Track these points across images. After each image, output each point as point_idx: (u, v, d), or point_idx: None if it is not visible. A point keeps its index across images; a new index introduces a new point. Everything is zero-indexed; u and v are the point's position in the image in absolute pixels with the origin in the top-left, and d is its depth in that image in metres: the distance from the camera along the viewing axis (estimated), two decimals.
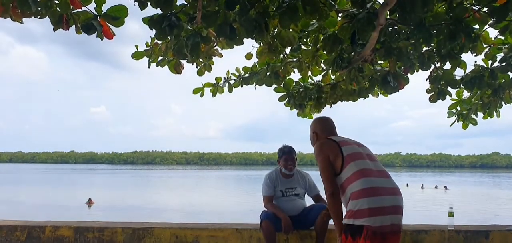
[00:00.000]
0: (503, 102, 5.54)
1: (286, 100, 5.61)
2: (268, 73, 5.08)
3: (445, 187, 39.33)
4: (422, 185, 42.20)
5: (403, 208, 2.87)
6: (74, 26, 3.22)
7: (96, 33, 3.19)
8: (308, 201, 4.92)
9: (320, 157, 2.96)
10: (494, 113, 5.78)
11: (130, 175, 71.88)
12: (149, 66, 4.39)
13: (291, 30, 3.91)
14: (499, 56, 4.61)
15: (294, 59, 5.01)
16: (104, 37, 3.35)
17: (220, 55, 4.47)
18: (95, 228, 5.12)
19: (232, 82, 5.38)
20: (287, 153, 4.73)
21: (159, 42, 4.17)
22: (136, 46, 4.36)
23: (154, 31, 3.42)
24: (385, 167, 3.07)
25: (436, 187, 40.50)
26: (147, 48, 4.34)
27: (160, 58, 4.38)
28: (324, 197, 4.57)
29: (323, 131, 3.20)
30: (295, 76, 5.35)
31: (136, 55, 4.46)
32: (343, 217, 2.90)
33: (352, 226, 2.79)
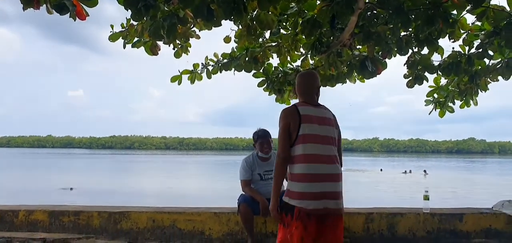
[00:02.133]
0: (479, 89, 5.61)
1: (265, 85, 5.57)
2: (247, 59, 5.03)
3: (425, 171, 39.86)
4: (410, 170, 42.82)
5: (341, 193, 2.95)
6: (45, 5, 3.11)
7: (68, 13, 3.09)
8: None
9: (282, 123, 3.00)
10: (471, 101, 5.85)
11: (108, 160, 70.99)
12: (124, 47, 4.29)
13: (270, 13, 3.86)
14: (476, 42, 4.65)
15: (273, 44, 4.98)
16: (77, 17, 3.25)
17: (198, 37, 4.39)
18: (70, 212, 5.04)
19: (210, 68, 5.30)
20: (262, 136, 4.74)
21: (135, 23, 4.07)
22: (112, 27, 4.26)
23: (129, 11, 3.33)
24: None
25: (407, 172, 41.24)
26: (123, 29, 4.24)
27: (136, 39, 4.28)
28: None
29: (302, 89, 3.16)
30: (274, 61, 5.32)
31: (112, 37, 4.35)
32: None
33: (288, 204, 2.92)
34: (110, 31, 4.30)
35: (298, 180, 2.90)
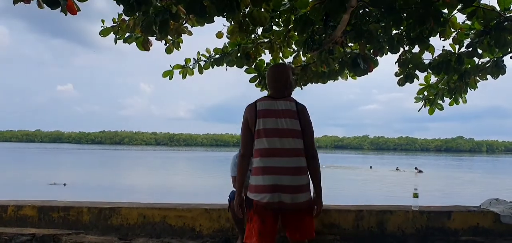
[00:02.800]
0: (468, 87, 5.67)
1: (257, 81, 5.57)
2: (239, 54, 5.02)
3: (416, 168, 39.99)
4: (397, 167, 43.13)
5: (301, 187, 2.89)
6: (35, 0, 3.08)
7: (59, 7, 3.07)
8: None
9: (243, 118, 3.04)
10: (460, 99, 5.91)
11: (98, 155, 70.56)
12: (115, 42, 4.26)
13: (262, 9, 3.86)
14: (466, 41, 4.70)
15: (266, 40, 4.98)
16: (68, 12, 3.23)
17: (190, 33, 4.38)
18: (60, 207, 5.01)
19: (202, 63, 5.29)
20: None
21: (127, 18, 4.05)
22: (103, 21, 4.22)
23: (121, 6, 3.31)
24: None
25: (400, 170, 41.56)
26: (114, 24, 4.22)
27: (127, 34, 4.26)
28: None
29: (269, 82, 3.16)
30: (266, 57, 5.32)
31: (104, 32, 4.32)
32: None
33: (248, 199, 2.94)
34: (101, 26, 4.27)
35: (254, 174, 2.92)
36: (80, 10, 3.29)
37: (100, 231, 4.89)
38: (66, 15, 3.23)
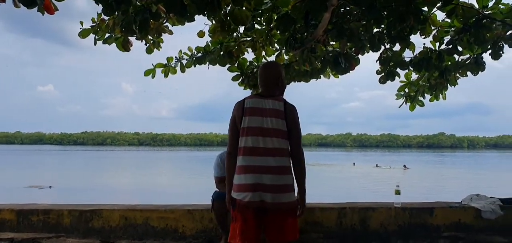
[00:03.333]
0: (449, 84, 5.75)
1: (240, 80, 5.55)
2: (221, 53, 5.00)
3: (404, 165, 40.24)
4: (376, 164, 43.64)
5: (283, 187, 2.87)
6: None
7: (36, 7, 3.00)
8: None
9: (231, 116, 3.02)
10: (440, 96, 5.99)
11: (80, 156, 69.70)
12: (95, 43, 4.20)
13: (244, 8, 3.84)
14: (446, 39, 4.76)
15: (248, 39, 4.96)
16: (45, 11, 3.17)
17: (170, 33, 4.34)
18: (39, 210, 4.91)
19: (184, 62, 5.25)
20: None
21: (106, 18, 3.99)
22: (81, 23, 4.15)
23: (100, 6, 3.26)
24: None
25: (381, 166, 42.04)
26: (94, 24, 4.15)
27: (107, 35, 4.19)
28: None
29: (259, 82, 3.14)
30: (249, 56, 5.30)
31: (83, 33, 4.26)
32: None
33: (233, 198, 2.93)
34: (80, 27, 4.20)
35: (237, 172, 2.91)
36: (57, 10, 3.23)
37: (81, 234, 4.81)
38: (43, 14, 3.17)
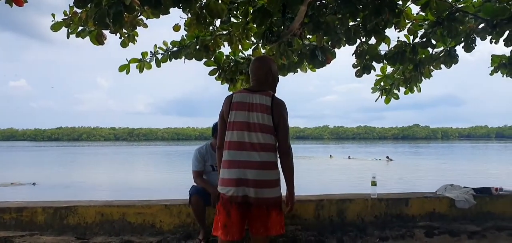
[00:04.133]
0: (423, 77, 5.84)
1: (217, 74, 5.51)
2: (197, 47, 4.94)
3: (387, 156, 40.59)
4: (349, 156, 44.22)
5: (267, 182, 2.88)
6: None
7: None
8: None
9: (221, 110, 3.04)
10: (415, 88, 6.08)
11: (54, 152, 68.31)
12: (68, 37, 4.09)
13: (220, 1, 3.81)
14: (420, 32, 4.82)
15: (224, 32, 4.92)
16: (14, 4, 3.08)
17: (145, 26, 4.26)
18: (12, 208, 4.80)
19: (160, 56, 5.17)
20: None
21: (79, 11, 3.89)
22: (53, 16, 4.04)
23: None
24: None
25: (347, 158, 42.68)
26: (66, 17, 4.04)
27: (80, 28, 4.09)
28: None
29: (250, 76, 3.14)
30: (226, 50, 5.26)
31: (55, 27, 4.14)
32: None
33: (218, 192, 2.97)
34: (52, 20, 4.09)
35: (222, 166, 2.94)
36: (27, 2, 3.14)
37: (56, 231, 4.72)
38: (11, 6, 3.08)
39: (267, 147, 2.89)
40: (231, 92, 3.04)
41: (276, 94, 3.06)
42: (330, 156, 46.49)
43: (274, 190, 2.90)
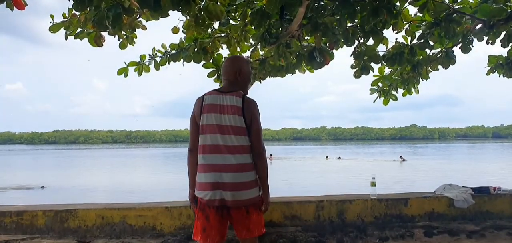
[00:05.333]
0: (421, 78, 5.86)
1: (216, 76, 5.52)
2: (196, 49, 4.96)
3: (401, 156, 40.33)
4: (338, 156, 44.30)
5: (243, 184, 2.84)
6: None
7: (4, 2, 2.92)
8: None
9: (192, 112, 2.99)
10: (413, 90, 6.10)
11: (52, 155, 68.12)
12: (66, 38, 4.11)
13: (218, 3, 3.82)
14: (418, 33, 4.85)
15: (223, 35, 4.94)
16: (14, 7, 3.08)
17: (144, 28, 4.27)
18: (12, 212, 4.80)
19: (158, 59, 5.18)
20: None
21: (78, 13, 3.90)
22: (52, 17, 4.06)
23: (71, 1, 3.19)
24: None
25: (336, 157, 42.54)
26: (65, 19, 4.05)
27: (79, 30, 4.10)
28: None
29: (222, 75, 3.10)
30: (224, 52, 5.28)
31: (53, 28, 4.15)
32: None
33: (195, 196, 2.94)
34: (51, 22, 4.10)
35: (198, 171, 2.90)
36: (27, 5, 3.15)
37: (57, 234, 4.73)
38: (12, 10, 3.09)
39: (242, 149, 2.85)
40: (202, 94, 2.98)
41: (248, 95, 3.00)
42: (339, 157, 46.29)
43: (251, 191, 2.86)
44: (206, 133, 2.85)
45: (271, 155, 43.63)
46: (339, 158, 43.88)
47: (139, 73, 5.14)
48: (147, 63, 5.15)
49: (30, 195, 18.15)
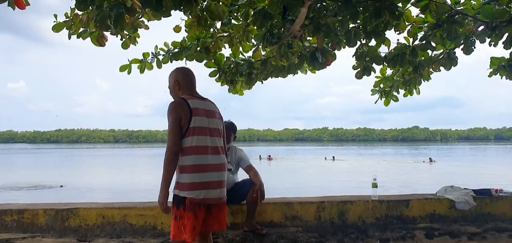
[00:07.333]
0: (422, 79, 5.85)
1: (217, 76, 5.53)
2: (198, 48, 4.96)
3: (430, 158, 39.96)
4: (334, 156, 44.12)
5: (225, 182, 3.18)
6: None
7: (6, 1, 2.93)
8: (241, 176, 4.92)
9: (173, 116, 3.02)
10: (414, 91, 6.09)
11: (54, 154, 68.19)
12: (69, 38, 4.12)
13: (220, 3, 3.82)
14: (420, 34, 4.84)
15: (225, 34, 4.94)
16: (16, 6, 3.09)
17: (146, 28, 4.28)
18: (13, 210, 4.81)
19: (161, 58, 5.19)
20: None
21: (80, 12, 3.91)
22: (55, 16, 4.07)
23: (74, 0, 3.20)
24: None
25: (370, 159, 42.13)
26: (67, 19, 4.06)
27: (81, 30, 4.11)
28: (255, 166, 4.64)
29: (185, 84, 3.23)
30: (226, 52, 5.28)
31: (56, 27, 4.17)
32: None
33: (178, 196, 3.03)
34: (54, 21, 4.12)
35: (188, 171, 3.00)
36: (29, 4, 3.15)
37: (58, 233, 4.73)
38: (14, 9, 3.09)
39: (223, 149, 3.23)
40: (186, 98, 3.07)
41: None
42: (325, 157, 46.02)
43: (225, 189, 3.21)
44: (197, 135, 3.04)
45: (270, 155, 43.63)
46: (333, 158, 43.43)
47: (142, 71, 5.15)
48: (149, 61, 5.16)
49: (50, 194, 18.20)
